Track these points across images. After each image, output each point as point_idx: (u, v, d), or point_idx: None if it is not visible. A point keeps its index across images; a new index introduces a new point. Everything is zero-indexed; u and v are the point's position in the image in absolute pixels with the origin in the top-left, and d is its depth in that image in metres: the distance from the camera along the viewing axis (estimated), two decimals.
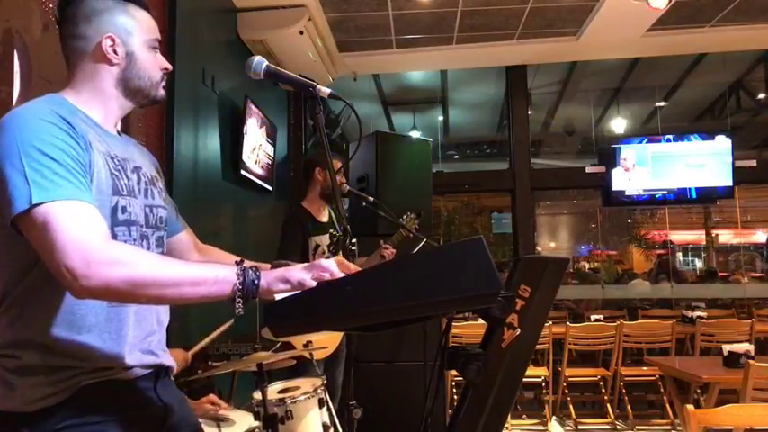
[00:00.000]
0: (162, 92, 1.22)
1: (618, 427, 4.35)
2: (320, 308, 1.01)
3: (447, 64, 5.92)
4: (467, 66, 5.93)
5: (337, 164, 2.96)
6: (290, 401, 2.23)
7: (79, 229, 0.92)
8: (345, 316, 1.00)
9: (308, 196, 3.07)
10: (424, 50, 5.22)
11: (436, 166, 4.96)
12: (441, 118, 8.31)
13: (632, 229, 12.27)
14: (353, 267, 1.08)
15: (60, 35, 1.16)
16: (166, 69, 1.22)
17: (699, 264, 12.38)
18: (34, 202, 0.92)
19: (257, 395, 2.11)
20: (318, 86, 1.29)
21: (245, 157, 4.00)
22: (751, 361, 2.80)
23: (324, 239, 2.99)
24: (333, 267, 1.04)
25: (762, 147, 8.55)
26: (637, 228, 12.20)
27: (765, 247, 11.45)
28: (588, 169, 5.84)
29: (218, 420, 2.15)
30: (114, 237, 1.07)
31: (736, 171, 5.50)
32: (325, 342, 2.81)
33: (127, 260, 0.94)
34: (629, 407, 4.33)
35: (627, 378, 4.41)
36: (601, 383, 4.50)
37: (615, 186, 5.62)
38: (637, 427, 4.25)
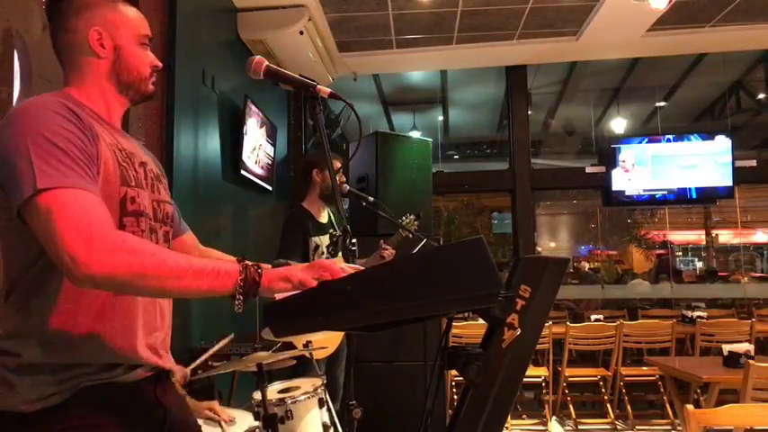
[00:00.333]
0: (151, 87, 1.23)
1: (618, 427, 4.35)
2: (320, 308, 1.01)
3: (447, 64, 5.92)
4: (467, 66, 5.93)
5: (337, 164, 2.97)
6: (290, 401, 2.23)
7: (83, 216, 0.92)
8: (345, 316, 1.00)
9: (308, 197, 3.08)
10: (424, 50, 5.22)
11: (436, 166, 4.96)
12: (441, 118, 8.31)
13: (632, 229, 12.28)
14: (353, 268, 1.08)
15: (51, 33, 1.17)
16: (156, 66, 1.23)
17: (699, 264, 12.38)
18: (39, 188, 0.92)
19: (257, 395, 2.11)
20: (318, 86, 1.29)
21: (245, 157, 4.00)
22: (751, 361, 2.80)
23: (323, 240, 3.00)
24: (333, 267, 1.04)
25: (762, 147, 8.55)
26: (637, 228, 12.21)
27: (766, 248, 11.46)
28: (588, 169, 5.84)
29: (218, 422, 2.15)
30: (123, 227, 1.07)
31: (736, 171, 5.50)
32: (325, 342, 2.81)
33: (130, 249, 0.94)
34: (629, 407, 4.33)
35: (627, 378, 4.41)
36: (601, 383, 4.50)
37: (615, 186, 5.62)
38: (637, 427, 4.25)
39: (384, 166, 3.65)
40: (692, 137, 5.68)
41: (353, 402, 1.58)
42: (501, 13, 4.56)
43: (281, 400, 2.23)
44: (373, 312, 0.97)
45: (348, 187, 3.06)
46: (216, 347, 2.46)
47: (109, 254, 0.91)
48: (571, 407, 4.40)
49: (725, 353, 3.21)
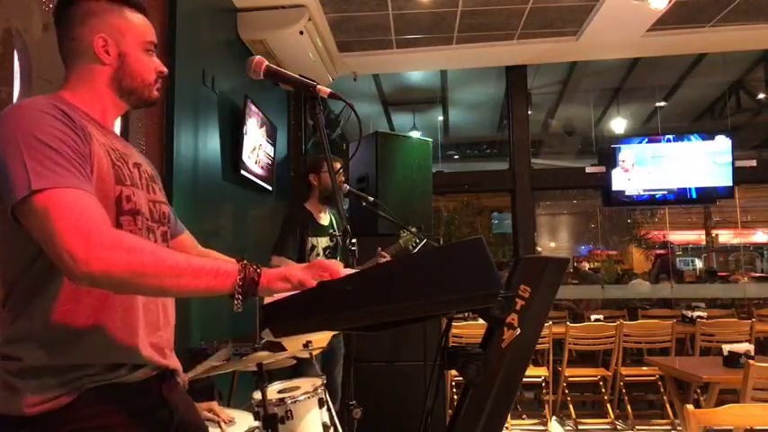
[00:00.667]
0: (155, 93, 1.23)
1: (618, 427, 4.35)
2: (320, 308, 1.00)
3: (447, 64, 5.92)
4: (467, 66, 5.93)
5: (337, 164, 2.98)
6: (289, 401, 2.23)
7: (80, 214, 0.92)
8: (345, 316, 1.00)
9: (310, 200, 3.14)
10: (424, 50, 5.22)
11: (436, 166, 4.96)
12: (441, 118, 8.31)
13: (632, 229, 12.29)
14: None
15: (57, 37, 1.18)
16: (161, 72, 1.22)
17: (699, 264, 12.38)
18: (33, 189, 0.92)
19: (257, 395, 2.11)
20: (318, 86, 1.29)
21: (245, 158, 4.00)
22: (751, 361, 2.80)
23: (321, 241, 3.01)
24: (333, 267, 1.04)
25: (762, 147, 8.55)
26: (637, 228, 12.21)
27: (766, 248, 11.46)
28: (588, 169, 5.84)
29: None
30: (119, 227, 1.06)
31: (736, 171, 5.50)
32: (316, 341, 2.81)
33: (128, 246, 0.93)
34: (629, 407, 4.33)
35: (627, 378, 4.41)
36: (601, 383, 4.50)
37: (615, 186, 5.62)
38: (637, 427, 4.25)
39: (384, 166, 3.65)
40: (691, 137, 5.68)
41: (353, 402, 1.58)
42: (501, 13, 4.56)
43: (281, 400, 2.23)
44: (373, 312, 0.97)
45: (348, 187, 3.07)
46: (214, 360, 2.45)
47: (108, 251, 0.91)
48: (571, 407, 4.40)
49: (725, 353, 3.21)
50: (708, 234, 12.12)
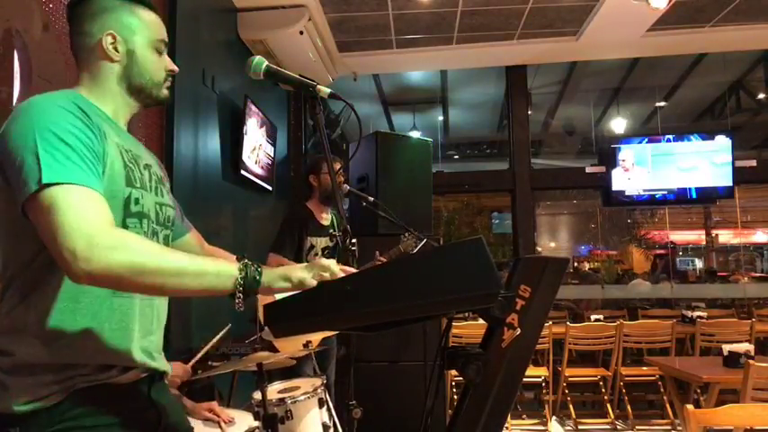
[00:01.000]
0: (165, 92, 1.24)
1: (618, 427, 4.35)
2: (320, 308, 1.01)
3: (447, 64, 5.92)
4: (467, 66, 5.93)
5: (337, 165, 2.98)
6: (289, 401, 2.23)
7: (85, 212, 0.93)
8: (345, 316, 1.00)
9: (311, 200, 3.16)
10: (424, 50, 5.22)
11: (436, 166, 4.96)
12: (441, 118, 8.31)
13: (632, 230, 12.29)
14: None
15: (69, 33, 1.19)
16: (172, 71, 1.23)
17: (699, 264, 12.38)
18: (44, 182, 0.92)
19: (257, 395, 2.11)
20: (318, 86, 1.29)
21: (245, 158, 4.00)
22: (751, 361, 2.80)
23: (319, 241, 3.02)
24: (333, 267, 1.04)
25: (762, 147, 8.56)
26: (637, 228, 12.22)
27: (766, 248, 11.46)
28: (588, 169, 5.84)
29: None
30: (125, 228, 1.07)
31: (736, 171, 5.50)
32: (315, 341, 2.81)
33: (130, 246, 0.94)
34: (629, 407, 4.33)
35: (627, 378, 4.41)
36: (601, 383, 4.50)
37: (615, 186, 5.62)
38: (637, 427, 4.25)
39: (384, 166, 3.65)
40: (691, 137, 5.68)
41: (353, 402, 1.58)
42: (501, 13, 4.56)
43: (281, 400, 2.23)
44: (373, 312, 0.97)
45: (348, 187, 3.08)
46: (215, 340, 2.46)
47: (109, 250, 0.91)
48: (571, 407, 4.40)
49: (725, 353, 3.21)
50: (708, 234, 12.12)
